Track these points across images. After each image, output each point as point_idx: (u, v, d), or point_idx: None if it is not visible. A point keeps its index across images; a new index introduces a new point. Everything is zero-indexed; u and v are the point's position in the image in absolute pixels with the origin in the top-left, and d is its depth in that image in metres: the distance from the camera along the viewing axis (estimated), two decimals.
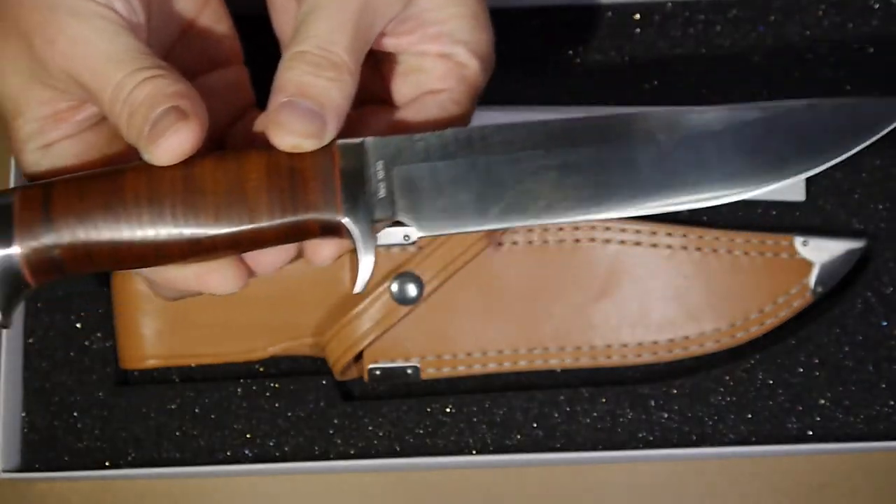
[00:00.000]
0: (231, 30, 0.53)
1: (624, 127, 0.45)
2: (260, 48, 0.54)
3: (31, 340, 0.66)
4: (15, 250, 0.44)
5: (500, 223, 0.44)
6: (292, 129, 0.44)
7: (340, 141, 0.45)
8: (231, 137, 0.52)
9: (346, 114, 0.45)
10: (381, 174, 0.44)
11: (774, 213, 0.65)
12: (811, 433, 0.63)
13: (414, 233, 0.45)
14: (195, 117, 0.44)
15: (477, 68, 0.48)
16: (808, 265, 0.63)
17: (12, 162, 0.65)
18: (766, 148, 0.45)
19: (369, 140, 0.45)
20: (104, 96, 0.44)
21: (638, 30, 0.68)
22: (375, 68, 0.51)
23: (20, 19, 0.45)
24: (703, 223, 0.65)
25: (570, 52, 0.68)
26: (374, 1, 0.45)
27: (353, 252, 0.45)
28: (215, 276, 0.47)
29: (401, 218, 0.44)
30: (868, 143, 0.45)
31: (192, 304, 0.63)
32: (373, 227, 0.44)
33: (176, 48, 0.51)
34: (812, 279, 0.63)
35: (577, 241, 0.63)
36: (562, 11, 0.68)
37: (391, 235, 0.47)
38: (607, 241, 0.63)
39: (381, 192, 0.44)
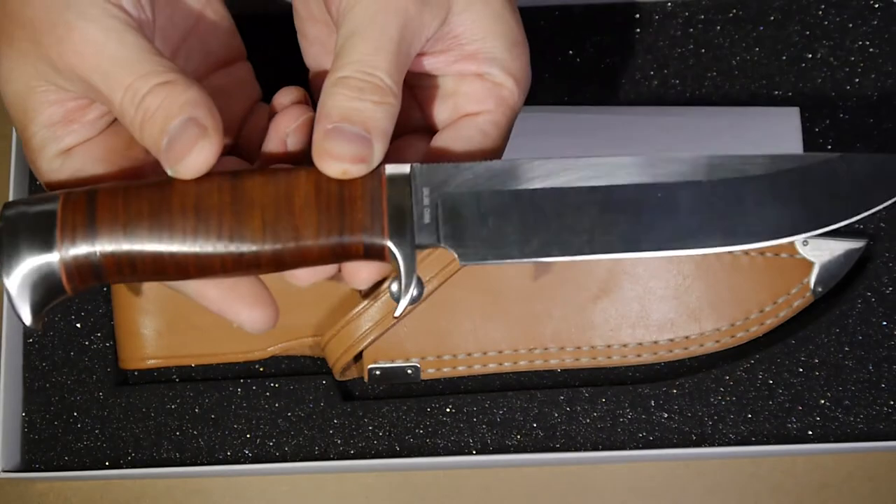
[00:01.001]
0: (232, 27, 0.53)
1: (667, 167, 0.45)
2: (258, 46, 0.54)
3: (31, 340, 0.66)
4: (55, 257, 0.43)
5: (540, 256, 0.45)
6: (340, 156, 0.44)
7: (389, 165, 0.45)
8: (244, 135, 0.52)
9: (391, 136, 0.45)
10: (426, 200, 0.45)
11: None
12: (811, 433, 0.63)
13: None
14: (214, 131, 0.44)
15: (513, 88, 0.48)
16: (809, 265, 0.63)
17: (12, 164, 0.65)
18: (802, 197, 0.45)
19: (417, 166, 0.45)
20: (115, 99, 0.44)
21: (638, 30, 0.68)
22: (412, 95, 0.51)
23: (27, 19, 0.45)
24: None
25: (571, 52, 0.68)
26: (412, 21, 0.45)
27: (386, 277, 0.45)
28: (248, 312, 0.47)
29: (443, 245, 0.44)
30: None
31: (193, 304, 0.63)
32: (416, 252, 0.44)
33: (181, 49, 0.51)
34: (812, 279, 0.63)
35: None
36: (562, 11, 0.68)
37: None
38: None
39: (426, 219, 0.44)
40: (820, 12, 0.68)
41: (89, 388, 0.65)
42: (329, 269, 0.47)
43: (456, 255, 0.45)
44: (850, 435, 0.63)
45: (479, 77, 0.48)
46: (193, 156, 0.43)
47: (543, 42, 0.68)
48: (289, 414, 0.64)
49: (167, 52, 0.50)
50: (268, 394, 0.64)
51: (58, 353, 0.65)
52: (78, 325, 0.66)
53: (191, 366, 0.65)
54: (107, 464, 0.64)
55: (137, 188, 0.44)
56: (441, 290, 0.62)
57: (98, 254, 0.43)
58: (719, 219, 0.45)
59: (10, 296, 0.44)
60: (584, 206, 0.45)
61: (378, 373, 0.63)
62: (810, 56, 0.68)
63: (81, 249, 0.43)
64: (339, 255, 0.44)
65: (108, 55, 0.44)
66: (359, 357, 0.63)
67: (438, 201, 0.45)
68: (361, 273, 0.47)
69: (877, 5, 0.68)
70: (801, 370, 0.64)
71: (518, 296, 0.63)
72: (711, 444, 0.63)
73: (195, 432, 0.64)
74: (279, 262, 0.44)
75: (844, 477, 0.66)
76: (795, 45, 0.68)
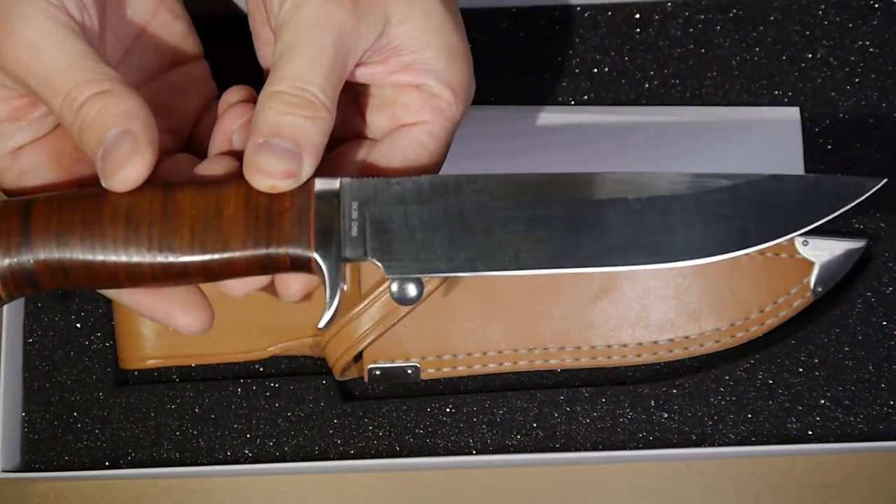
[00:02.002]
0: (189, 26, 0.53)
1: (594, 185, 0.46)
2: (221, 47, 0.54)
3: (31, 340, 0.66)
4: None
5: (467, 271, 0.45)
6: (268, 171, 0.44)
7: (318, 179, 0.45)
8: (198, 133, 0.52)
9: (323, 149, 0.45)
10: (355, 214, 0.45)
11: None
12: (811, 433, 0.63)
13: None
14: (147, 144, 0.44)
15: (451, 100, 0.48)
16: (809, 265, 0.63)
17: None
18: (729, 216, 0.46)
19: (346, 180, 0.45)
20: (54, 104, 0.44)
21: (638, 30, 0.68)
22: (355, 103, 0.51)
23: None
24: None
25: (570, 52, 0.68)
26: (348, 34, 0.45)
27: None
28: (182, 316, 0.47)
29: (370, 258, 0.45)
30: (826, 219, 0.46)
31: None
32: (342, 265, 0.45)
33: (136, 47, 0.51)
34: (812, 279, 0.63)
35: None
36: (562, 11, 0.68)
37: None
38: None
39: (354, 232, 0.45)
40: (820, 12, 0.68)
41: (89, 388, 0.65)
42: (261, 279, 0.47)
43: (383, 269, 0.45)
44: (850, 435, 0.63)
45: (417, 88, 0.48)
46: (126, 170, 0.44)
47: (543, 42, 0.68)
48: (289, 414, 0.64)
49: (120, 49, 0.50)
50: (268, 394, 0.64)
51: (58, 353, 0.65)
52: (78, 325, 0.66)
53: (191, 366, 0.65)
54: (107, 464, 0.64)
55: (73, 198, 0.45)
56: (441, 290, 0.62)
57: (32, 262, 0.44)
58: (645, 237, 0.45)
59: None
60: (511, 223, 0.45)
61: (378, 373, 0.63)
62: (810, 56, 0.68)
63: (15, 257, 0.44)
64: (267, 266, 0.45)
65: (46, 61, 0.44)
66: (359, 357, 0.63)
67: (367, 215, 0.45)
68: (293, 286, 0.47)
69: (877, 5, 0.68)
70: (801, 370, 0.64)
71: (518, 296, 0.63)
72: (711, 444, 0.63)
73: (195, 432, 0.64)
74: (207, 273, 0.45)
75: (844, 477, 0.66)
76: (795, 45, 0.68)
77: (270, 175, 0.44)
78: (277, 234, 0.44)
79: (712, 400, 0.64)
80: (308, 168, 0.45)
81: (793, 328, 0.64)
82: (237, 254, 0.44)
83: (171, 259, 0.44)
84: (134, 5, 0.50)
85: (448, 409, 0.64)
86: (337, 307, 0.45)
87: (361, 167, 0.49)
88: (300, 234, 0.44)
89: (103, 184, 0.44)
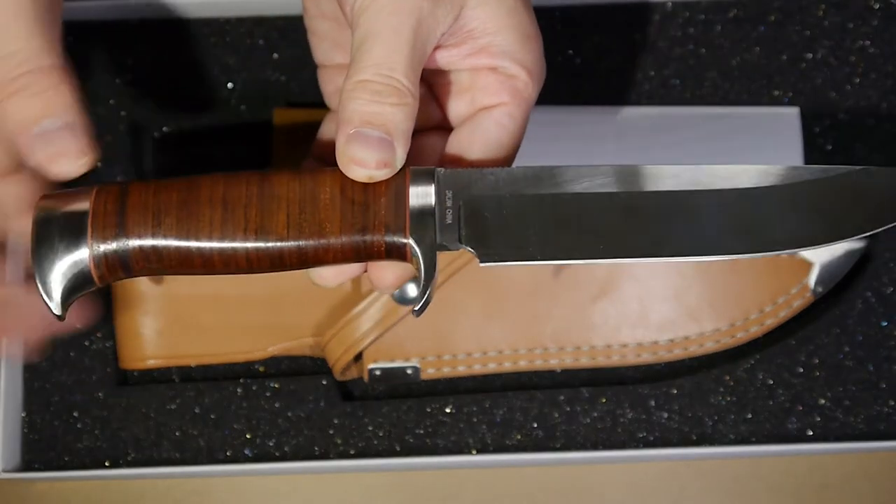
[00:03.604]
0: None
1: (689, 176, 0.46)
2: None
3: None
4: (85, 249, 0.44)
5: (561, 258, 0.45)
6: (364, 161, 0.44)
7: (413, 167, 0.46)
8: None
9: (411, 136, 0.46)
10: (449, 202, 0.46)
11: None
12: (811, 433, 0.63)
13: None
14: (93, 142, 0.44)
15: (527, 80, 0.49)
16: (808, 265, 0.63)
17: None
18: (822, 208, 0.46)
19: (441, 169, 0.46)
20: None
21: (638, 30, 0.68)
22: (431, 94, 0.51)
23: None
24: None
25: (570, 52, 0.68)
26: (426, 19, 0.46)
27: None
28: None
29: (465, 246, 0.45)
30: None
31: (193, 304, 0.63)
32: (436, 252, 0.45)
33: None
34: (812, 279, 0.63)
35: None
36: (562, 11, 0.68)
37: None
38: None
39: (448, 219, 0.45)
40: (820, 12, 0.68)
41: (89, 388, 0.65)
42: (354, 268, 0.48)
43: (477, 256, 0.45)
44: (850, 435, 0.63)
45: (493, 70, 0.49)
46: (77, 166, 0.44)
47: (544, 42, 0.68)
48: (289, 414, 0.64)
49: None
50: (268, 394, 0.64)
51: (58, 353, 0.65)
52: (78, 325, 0.66)
53: (191, 366, 0.65)
54: (107, 464, 0.64)
55: (168, 181, 0.45)
56: (441, 290, 0.62)
57: (127, 246, 0.44)
58: (740, 227, 0.45)
59: (40, 285, 0.44)
60: (606, 212, 0.45)
61: (378, 373, 0.63)
62: (810, 56, 0.68)
63: (111, 241, 0.44)
64: (361, 253, 0.45)
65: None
66: (359, 357, 0.63)
67: (461, 203, 0.46)
68: (387, 276, 0.48)
69: (877, 6, 0.68)
70: (801, 370, 0.64)
71: (518, 296, 0.63)
72: (711, 444, 0.63)
73: (195, 432, 0.64)
74: (302, 258, 0.45)
75: (844, 477, 0.66)
76: (795, 45, 0.68)
77: (366, 165, 0.44)
78: (373, 220, 0.45)
79: (712, 400, 0.64)
80: (401, 155, 0.45)
81: (793, 328, 0.64)
82: (332, 240, 0.45)
83: (268, 244, 0.44)
84: None
85: (448, 409, 0.64)
86: (429, 295, 0.45)
87: (443, 153, 0.50)
88: (396, 220, 0.45)
89: (31, 162, 0.44)
